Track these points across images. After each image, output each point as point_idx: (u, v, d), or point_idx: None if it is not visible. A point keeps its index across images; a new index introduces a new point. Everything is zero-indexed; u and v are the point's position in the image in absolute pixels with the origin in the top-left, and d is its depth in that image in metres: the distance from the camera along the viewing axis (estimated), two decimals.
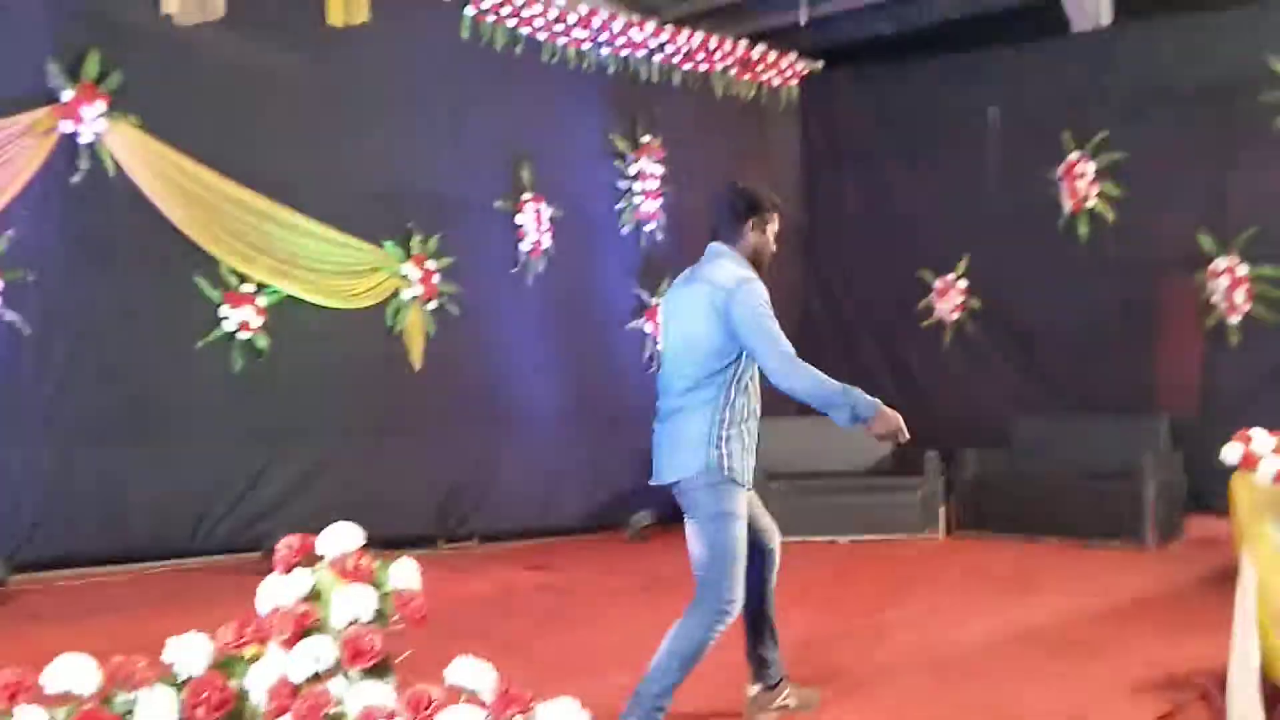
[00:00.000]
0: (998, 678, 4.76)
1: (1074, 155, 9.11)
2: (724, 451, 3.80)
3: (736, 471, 3.82)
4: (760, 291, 3.84)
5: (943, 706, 4.36)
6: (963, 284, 9.79)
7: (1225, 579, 5.04)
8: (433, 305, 8.26)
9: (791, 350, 3.76)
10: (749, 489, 3.94)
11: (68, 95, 6.81)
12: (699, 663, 3.79)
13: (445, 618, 5.46)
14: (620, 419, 9.10)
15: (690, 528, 3.88)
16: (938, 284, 9.89)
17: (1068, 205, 9.17)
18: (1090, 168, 9.04)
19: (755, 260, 4.02)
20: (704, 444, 3.80)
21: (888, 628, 5.69)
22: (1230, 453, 4.48)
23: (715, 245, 4.06)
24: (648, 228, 9.46)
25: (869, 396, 3.73)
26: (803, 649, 4.98)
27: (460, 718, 1.87)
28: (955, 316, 9.83)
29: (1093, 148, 9.05)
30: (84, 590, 6.63)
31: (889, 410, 3.73)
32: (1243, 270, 8.36)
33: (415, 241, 8.16)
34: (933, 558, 7.82)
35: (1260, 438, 4.50)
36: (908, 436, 3.79)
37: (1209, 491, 7.99)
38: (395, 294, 8.11)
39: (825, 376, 3.73)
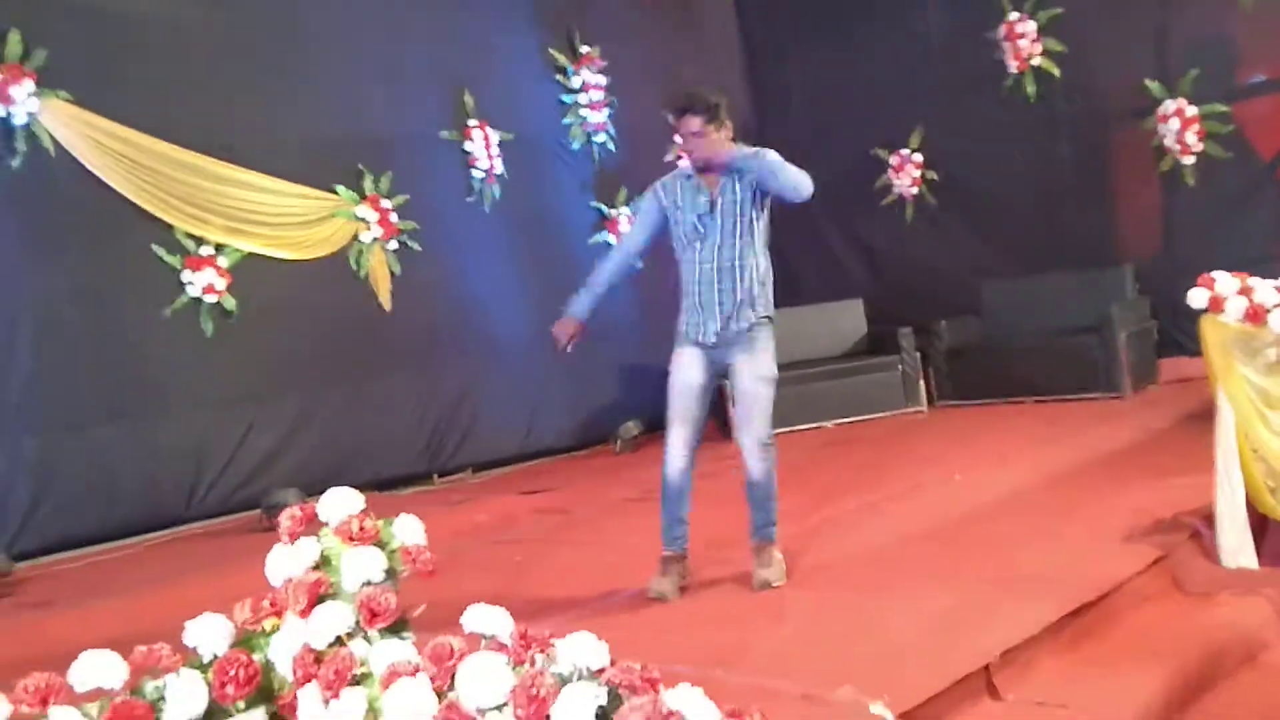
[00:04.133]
0: (996, 540, 4.86)
1: (1013, 15, 9.07)
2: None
3: (679, 332, 4.68)
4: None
5: (946, 574, 4.46)
6: (918, 157, 9.79)
7: (1203, 418, 5.16)
8: (394, 245, 8.22)
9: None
10: (699, 345, 4.66)
11: None
12: (664, 496, 4.64)
13: (450, 552, 5.56)
14: (594, 334, 9.13)
15: None
16: (893, 160, 9.88)
17: (1013, 66, 9.15)
18: (1031, 26, 9.00)
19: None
20: None
21: (880, 504, 5.80)
22: (1196, 298, 4.55)
23: None
24: (598, 139, 9.40)
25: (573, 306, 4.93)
26: (796, 534, 5.08)
27: (483, 664, 1.93)
28: (914, 190, 9.84)
29: (1031, 5, 9.00)
30: (87, 571, 6.65)
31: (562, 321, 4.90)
32: (1191, 111, 8.39)
33: (367, 182, 8.09)
34: (917, 431, 7.95)
35: (1223, 279, 4.57)
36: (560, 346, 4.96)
37: (1180, 332, 8.14)
38: (355, 238, 8.07)
39: (594, 276, 4.97)
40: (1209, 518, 4.60)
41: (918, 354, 8.60)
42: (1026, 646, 3.63)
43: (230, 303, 7.46)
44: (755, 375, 4.65)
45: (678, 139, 4.62)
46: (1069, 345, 8.18)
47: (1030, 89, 9.10)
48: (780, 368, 8.81)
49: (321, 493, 2.46)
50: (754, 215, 4.61)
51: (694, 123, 4.46)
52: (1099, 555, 4.43)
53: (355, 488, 2.44)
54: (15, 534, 6.75)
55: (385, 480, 7.86)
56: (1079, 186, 8.96)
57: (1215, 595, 4.24)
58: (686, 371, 4.65)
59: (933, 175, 9.76)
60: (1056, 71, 8.98)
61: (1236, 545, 4.53)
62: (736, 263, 4.59)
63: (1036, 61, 9.04)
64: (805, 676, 3.49)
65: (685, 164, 4.71)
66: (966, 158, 9.47)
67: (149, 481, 7.19)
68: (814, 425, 8.43)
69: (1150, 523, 4.71)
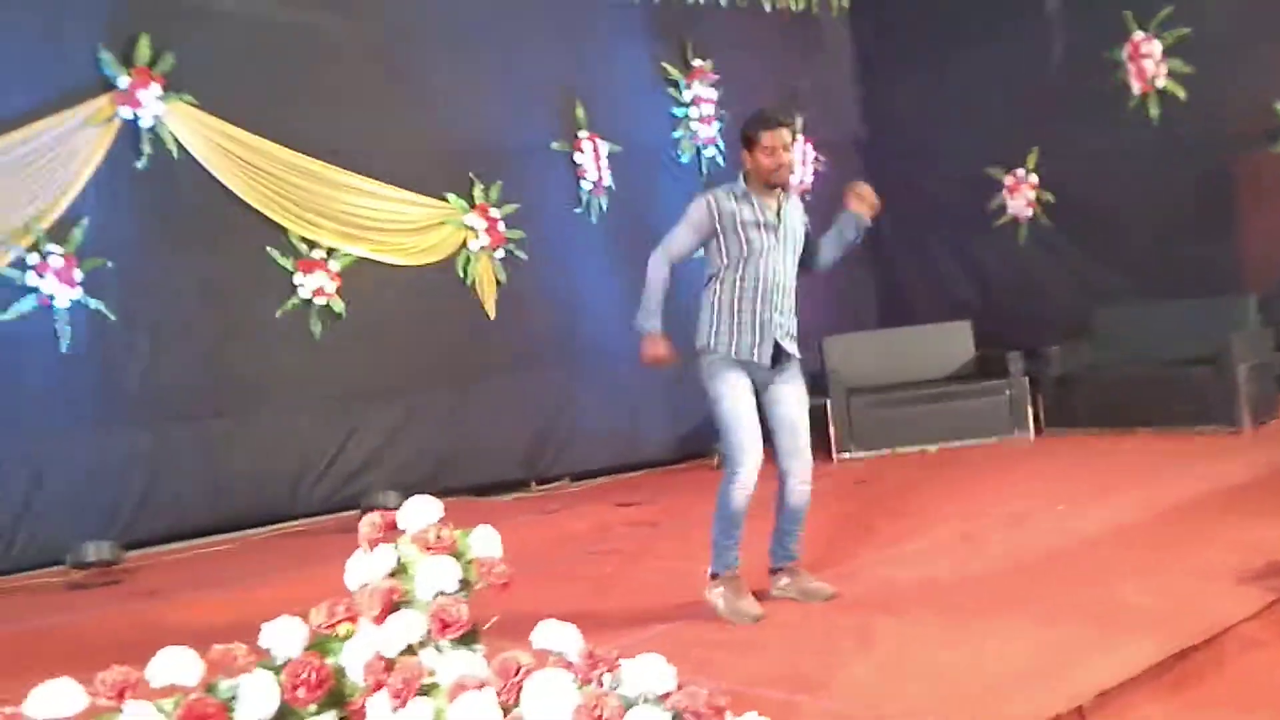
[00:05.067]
0: (1098, 575, 4.71)
1: (1138, 34, 8.82)
2: (711, 333, 4.61)
3: (721, 352, 4.56)
4: (693, 205, 4.62)
5: (1043, 608, 4.33)
6: (1033, 178, 9.57)
7: None
8: (501, 253, 8.30)
9: (661, 248, 4.64)
10: (745, 368, 4.56)
11: (124, 82, 6.90)
12: (730, 521, 4.54)
13: (541, 561, 5.58)
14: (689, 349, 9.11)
15: None
16: (1008, 180, 9.67)
17: (1136, 87, 8.89)
18: (1156, 46, 8.75)
19: (763, 178, 4.53)
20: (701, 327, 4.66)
21: (979, 532, 5.67)
22: None
23: None
24: (707, 153, 9.37)
25: (650, 321, 4.58)
26: (892, 559, 4.98)
27: (549, 682, 1.92)
28: (1029, 212, 9.62)
29: (1156, 25, 8.75)
30: (193, 562, 6.84)
31: (650, 341, 4.57)
32: None
33: (477, 191, 8.19)
34: (1023, 459, 7.76)
35: None
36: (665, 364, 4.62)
37: None
38: (463, 245, 8.17)
39: (653, 288, 4.61)
40: None
41: (1026, 379, 8.39)
42: (1124, 689, 3.50)
43: (339, 305, 7.61)
44: (801, 402, 4.69)
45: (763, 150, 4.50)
46: (1185, 375, 7.90)
47: (1154, 111, 8.84)
48: (885, 388, 8.70)
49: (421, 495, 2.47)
50: (801, 245, 4.69)
51: (787, 135, 4.54)
52: (1207, 596, 4.26)
53: (453, 493, 2.47)
54: (127, 524, 6.98)
55: (484, 486, 7.93)
56: (1202, 212, 8.64)
57: None
58: (747, 398, 4.58)
59: (1049, 197, 9.52)
60: (1182, 93, 8.70)
61: None
62: (789, 284, 4.64)
63: (1161, 83, 8.77)
64: (891, 707, 3.42)
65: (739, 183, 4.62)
66: (1084, 180, 9.20)
67: (255, 477, 7.37)
68: (917, 448, 8.29)
69: (1263, 564, 4.51)
